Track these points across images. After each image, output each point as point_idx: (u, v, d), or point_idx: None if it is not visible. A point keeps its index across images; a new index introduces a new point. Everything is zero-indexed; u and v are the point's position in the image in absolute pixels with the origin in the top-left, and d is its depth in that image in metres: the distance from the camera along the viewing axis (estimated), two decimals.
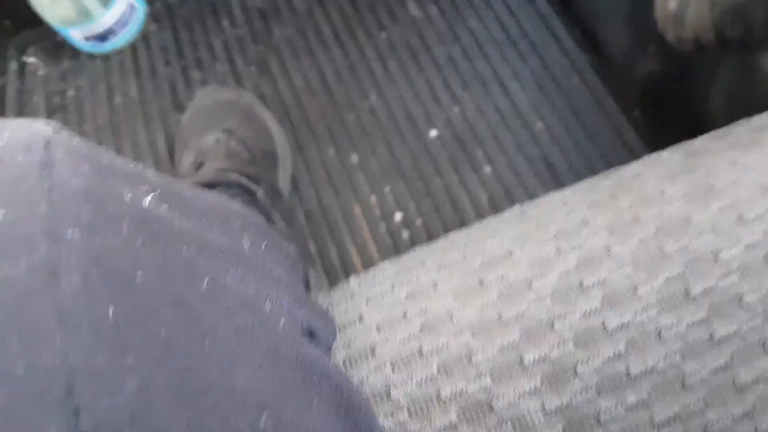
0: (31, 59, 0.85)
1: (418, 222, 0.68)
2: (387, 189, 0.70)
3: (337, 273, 0.66)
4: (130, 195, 0.24)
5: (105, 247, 0.21)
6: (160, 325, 0.21)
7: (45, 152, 0.22)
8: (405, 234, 0.68)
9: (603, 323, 0.31)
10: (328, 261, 0.67)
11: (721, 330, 0.31)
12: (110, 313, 0.20)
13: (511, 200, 0.68)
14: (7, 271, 0.19)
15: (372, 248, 0.67)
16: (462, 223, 0.68)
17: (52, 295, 0.19)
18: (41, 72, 0.84)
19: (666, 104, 0.70)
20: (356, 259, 0.67)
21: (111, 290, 0.20)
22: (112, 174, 0.24)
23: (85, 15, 0.77)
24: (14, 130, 0.23)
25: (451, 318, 0.32)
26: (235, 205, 0.33)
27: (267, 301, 0.27)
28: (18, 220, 0.20)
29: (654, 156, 0.41)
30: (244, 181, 0.58)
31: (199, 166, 0.62)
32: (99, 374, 0.18)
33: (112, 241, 0.22)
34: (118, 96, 0.80)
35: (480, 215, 0.68)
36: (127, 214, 0.23)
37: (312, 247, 0.68)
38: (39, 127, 0.24)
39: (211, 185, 0.57)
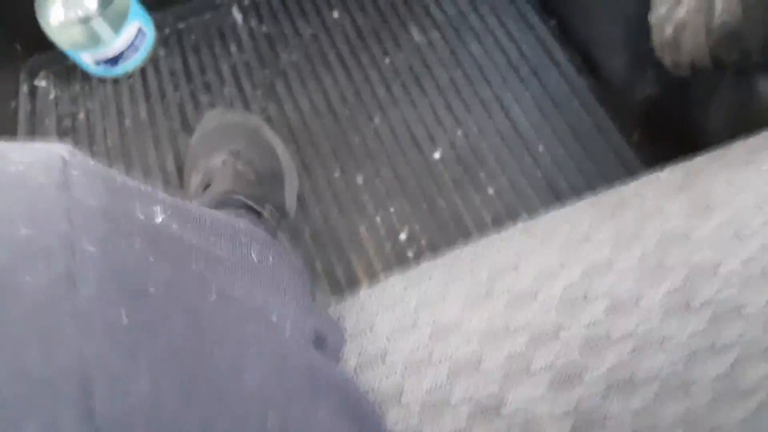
0: (42, 83, 0.87)
1: (423, 241, 0.69)
2: (392, 209, 0.72)
3: (343, 291, 0.67)
4: (142, 213, 0.25)
5: (120, 261, 0.22)
6: (171, 333, 0.22)
7: (63, 174, 0.24)
8: (410, 252, 0.69)
9: (607, 332, 0.32)
10: (334, 279, 0.68)
11: (723, 339, 0.32)
12: (123, 318, 0.21)
13: (514, 220, 0.70)
14: (29, 281, 0.20)
15: (377, 267, 0.68)
16: (466, 241, 0.68)
17: (70, 302, 0.20)
18: (52, 95, 0.86)
19: (664, 126, 0.71)
20: (362, 278, 0.68)
21: (125, 299, 0.21)
22: (126, 193, 0.26)
23: (95, 40, 0.79)
24: (34, 153, 0.24)
25: (460, 326, 0.32)
26: (242, 222, 0.34)
27: (274, 311, 0.28)
28: (40, 236, 0.21)
29: (653, 175, 0.42)
30: (250, 202, 0.60)
31: (206, 186, 0.63)
32: (113, 375, 0.19)
33: (126, 256, 0.23)
34: (128, 119, 0.82)
35: (483, 234, 0.69)
36: (139, 231, 0.24)
37: (318, 266, 0.69)
38: (56, 150, 0.25)
39: (218, 206, 0.59)
